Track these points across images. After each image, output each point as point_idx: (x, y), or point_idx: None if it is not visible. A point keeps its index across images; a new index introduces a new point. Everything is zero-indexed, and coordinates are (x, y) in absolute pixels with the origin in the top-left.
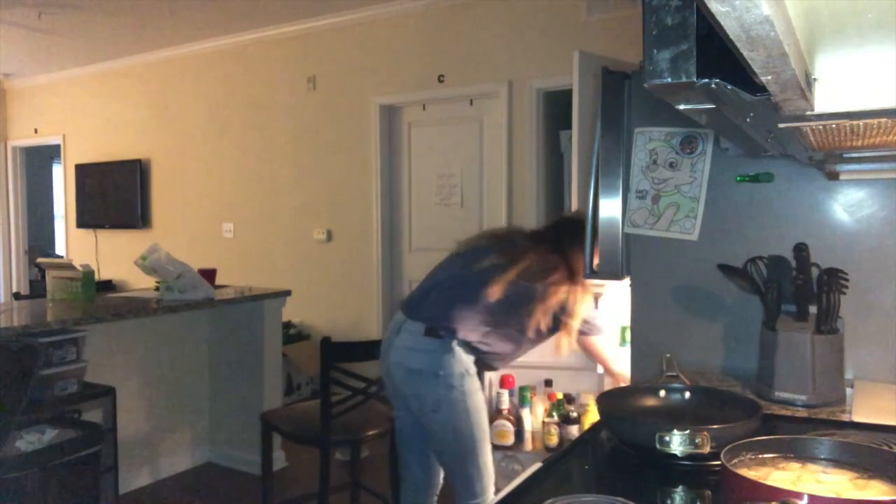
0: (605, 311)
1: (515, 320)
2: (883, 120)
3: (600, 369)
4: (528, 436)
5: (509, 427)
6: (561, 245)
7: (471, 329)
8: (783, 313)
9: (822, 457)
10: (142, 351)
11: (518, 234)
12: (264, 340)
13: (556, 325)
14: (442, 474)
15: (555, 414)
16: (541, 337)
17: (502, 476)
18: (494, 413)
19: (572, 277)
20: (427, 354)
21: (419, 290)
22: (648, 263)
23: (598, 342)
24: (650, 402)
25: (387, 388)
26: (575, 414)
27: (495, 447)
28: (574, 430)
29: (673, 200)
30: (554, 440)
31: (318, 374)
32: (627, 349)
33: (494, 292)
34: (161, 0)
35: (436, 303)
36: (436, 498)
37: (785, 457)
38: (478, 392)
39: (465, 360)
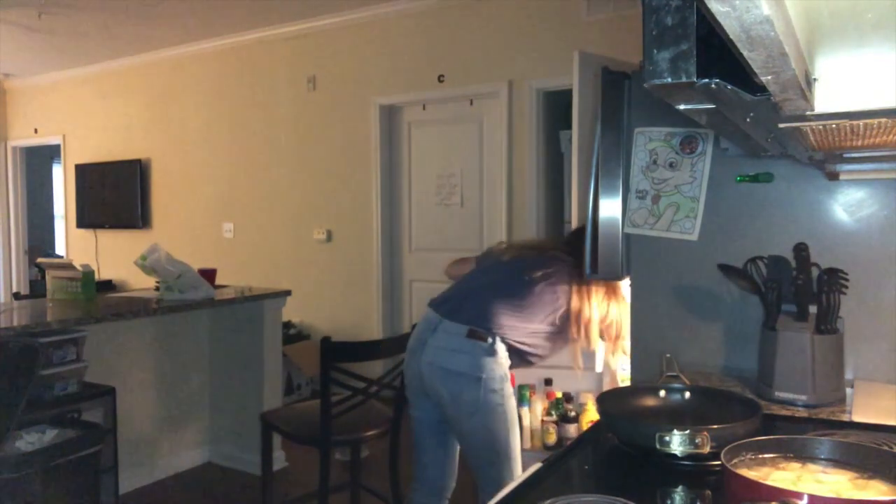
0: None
1: (561, 329)
2: (883, 120)
3: (599, 368)
4: (526, 434)
5: None
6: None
7: (514, 334)
8: (783, 313)
9: (822, 457)
10: (142, 351)
11: (558, 246)
12: (264, 340)
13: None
14: (455, 476)
15: (553, 413)
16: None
17: None
18: None
19: (613, 288)
20: (469, 357)
21: (458, 293)
22: (648, 263)
23: None
24: (650, 402)
25: (411, 387)
26: (573, 413)
27: None
28: (572, 429)
29: (673, 200)
30: (552, 439)
31: (318, 374)
32: (628, 349)
33: (550, 309)
34: (161, 0)
35: (479, 306)
36: (447, 501)
37: (785, 457)
38: (513, 396)
39: (505, 364)
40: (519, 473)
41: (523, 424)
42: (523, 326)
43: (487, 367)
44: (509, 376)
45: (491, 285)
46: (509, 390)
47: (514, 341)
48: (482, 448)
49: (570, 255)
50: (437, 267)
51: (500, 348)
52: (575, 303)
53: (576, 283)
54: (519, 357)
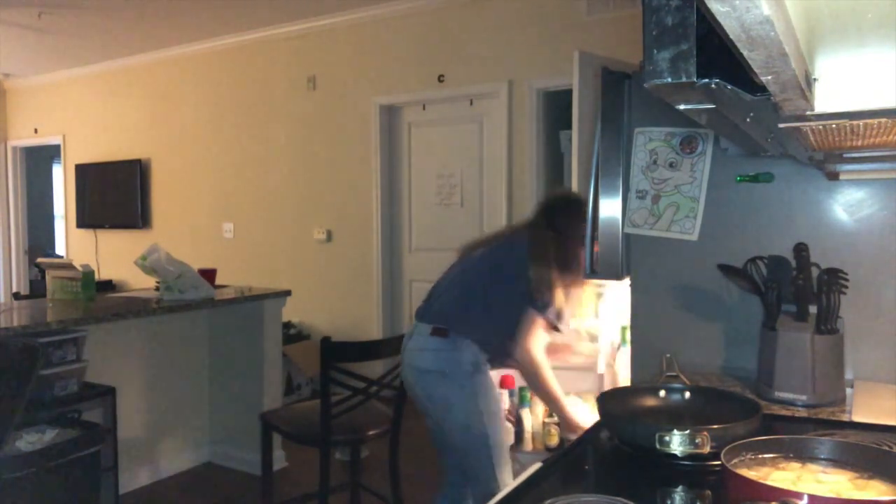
0: (606, 311)
1: (521, 302)
2: (883, 120)
3: (601, 369)
4: (527, 436)
5: (509, 427)
6: (554, 222)
7: (476, 323)
8: (783, 313)
9: (822, 457)
10: (142, 351)
11: (512, 227)
12: (264, 340)
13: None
14: None
15: (555, 414)
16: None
17: None
18: None
19: (569, 254)
20: (434, 353)
21: (428, 296)
22: (648, 263)
23: (548, 373)
24: (650, 402)
25: (410, 396)
26: None
27: None
28: None
29: (673, 200)
30: (554, 440)
31: (318, 374)
32: (628, 349)
33: (502, 273)
34: (161, 0)
35: (439, 302)
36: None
37: (785, 457)
38: (490, 391)
39: (474, 358)
40: (504, 468)
41: (524, 427)
42: (482, 313)
43: (452, 362)
44: (485, 370)
45: (447, 281)
46: (482, 385)
47: (477, 334)
48: (462, 444)
49: (546, 225)
50: (437, 267)
51: (464, 342)
52: (534, 270)
53: (534, 244)
54: (493, 355)
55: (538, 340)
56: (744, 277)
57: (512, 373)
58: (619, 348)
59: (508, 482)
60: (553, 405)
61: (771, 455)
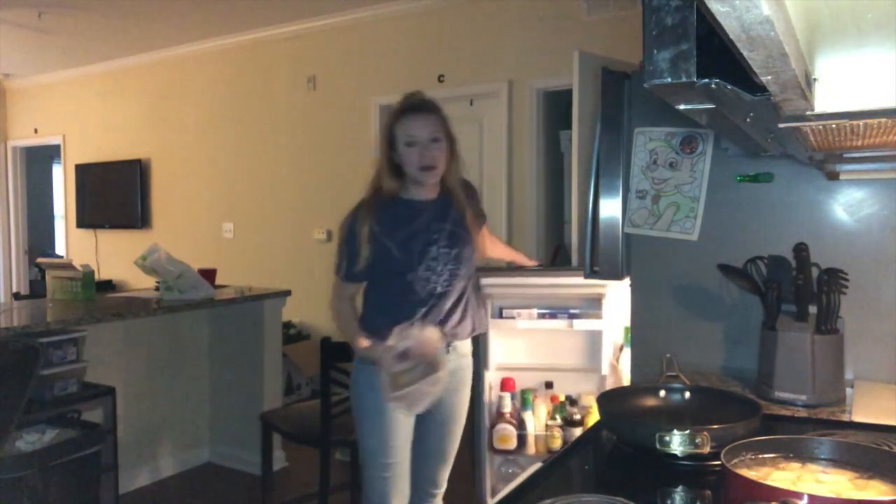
0: (607, 311)
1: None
2: (883, 120)
3: (604, 370)
4: (530, 439)
5: (511, 431)
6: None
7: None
8: (783, 313)
9: (822, 457)
10: (142, 351)
11: None
12: (264, 340)
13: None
14: (441, 473)
15: (557, 417)
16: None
17: (504, 480)
18: (496, 417)
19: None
20: None
21: None
22: (648, 263)
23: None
24: (650, 402)
25: None
26: (578, 416)
27: (498, 451)
28: (577, 433)
29: (673, 200)
30: (557, 443)
31: (318, 374)
32: (628, 349)
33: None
34: (161, 0)
35: None
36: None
37: (785, 457)
38: (365, 390)
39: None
40: (369, 478)
41: (527, 430)
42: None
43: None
44: (359, 365)
45: None
46: (358, 380)
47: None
48: None
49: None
50: None
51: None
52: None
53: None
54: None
55: (336, 292)
56: (744, 277)
57: (512, 375)
58: (622, 349)
59: (374, 496)
60: (350, 337)
61: (771, 455)
